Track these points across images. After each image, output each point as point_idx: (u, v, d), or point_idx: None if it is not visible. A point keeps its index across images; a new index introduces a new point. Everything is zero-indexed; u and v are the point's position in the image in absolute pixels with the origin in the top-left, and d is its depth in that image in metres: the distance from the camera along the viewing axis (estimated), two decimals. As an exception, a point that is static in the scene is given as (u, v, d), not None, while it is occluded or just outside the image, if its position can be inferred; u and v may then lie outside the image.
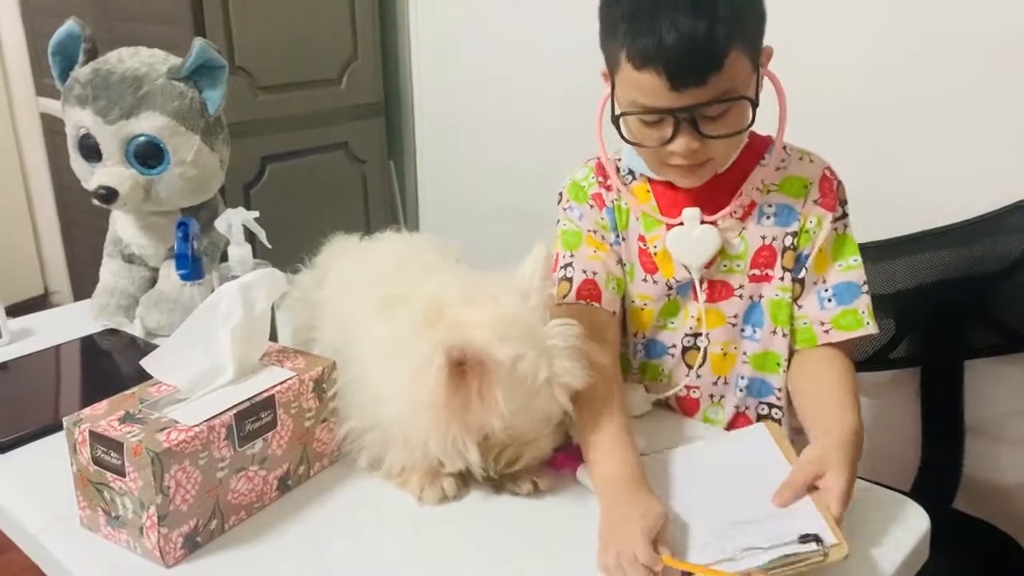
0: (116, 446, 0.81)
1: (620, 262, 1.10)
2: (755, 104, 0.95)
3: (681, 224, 1.05)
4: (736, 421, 1.11)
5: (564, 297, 1.07)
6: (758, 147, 1.06)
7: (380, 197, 2.44)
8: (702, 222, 1.04)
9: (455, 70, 2.26)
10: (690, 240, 1.05)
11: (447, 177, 2.39)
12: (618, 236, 1.09)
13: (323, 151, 2.28)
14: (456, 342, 0.82)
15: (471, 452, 0.87)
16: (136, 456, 0.80)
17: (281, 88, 2.14)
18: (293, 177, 2.20)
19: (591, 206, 1.11)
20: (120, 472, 0.81)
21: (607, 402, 0.96)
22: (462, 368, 0.84)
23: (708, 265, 1.06)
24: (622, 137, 1.00)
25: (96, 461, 0.83)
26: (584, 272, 1.08)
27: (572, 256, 1.09)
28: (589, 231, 1.10)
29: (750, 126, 0.99)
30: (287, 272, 1.25)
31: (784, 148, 1.07)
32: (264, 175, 2.14)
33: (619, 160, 1.11)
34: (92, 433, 0.82)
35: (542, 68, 2.02)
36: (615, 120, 0.99)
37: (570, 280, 1.08)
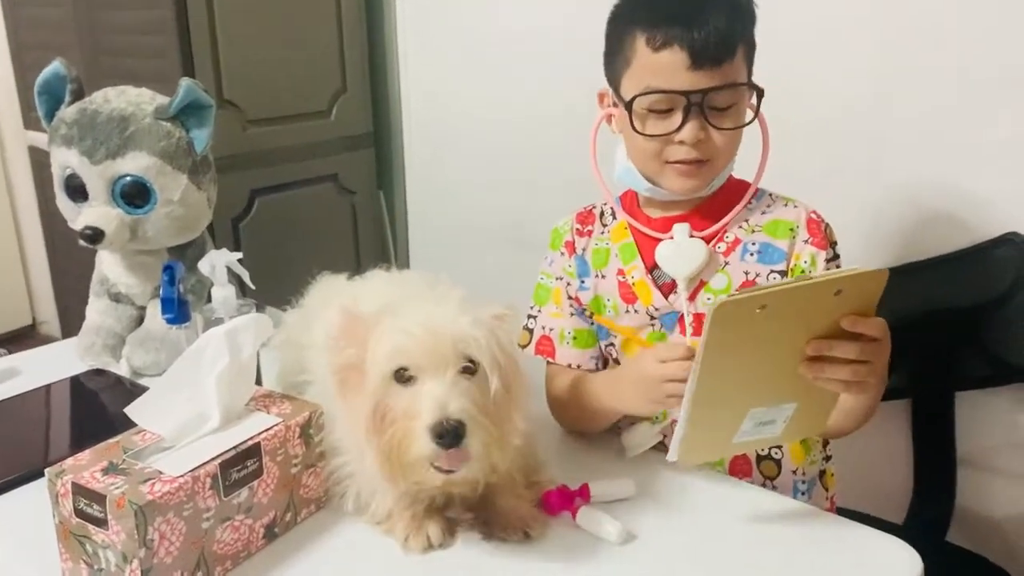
0: (99, 498, 0.80)
1: (586, 311, 1.15)
2: (756, 108, 1.05)
3: (671, 238, 1.09)
4: (734, 462, 1.11)
5: (525, 346, 1.17)
6: (739, 189, 1.10)
7: (370, 228, 2.44)
8: (690, 236, 1.08)
9: (444, 100, 2.27)
10: (679, 250, 1.08)
11: (437, 207, 2.39)
12: (584, 282, 1.15)
13: (312, 183, 2.27)
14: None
15: (363, 430, 0.85)
16: (119, 509, 0.78)
17: (270, 121, 2.13)
18: (282, 209, 2.19)
19: (562, 253, 1.18)
20: (103, 525, 0.80)
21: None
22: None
23: (696, 292, 1.08)
24: (632, 127, 1.04)
25: (78, 513, 0.82)
26: (543, 328, 1.18)
27: (539, 311, 1.19)
28: (557, 277, 1.18)
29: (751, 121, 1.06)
30: (277, 309, 1.25)
31: (770, 195, 1.12)
32: (253, 208, 2.13)
33: (606, 204, 1.17)
34: (75, 485, 0.81)
35: (531, 98, 2.02)
36: (628, 105, 1.03)
37: (531, 331, 1.19)
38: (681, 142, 1.02)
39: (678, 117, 1.01)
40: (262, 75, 2.09)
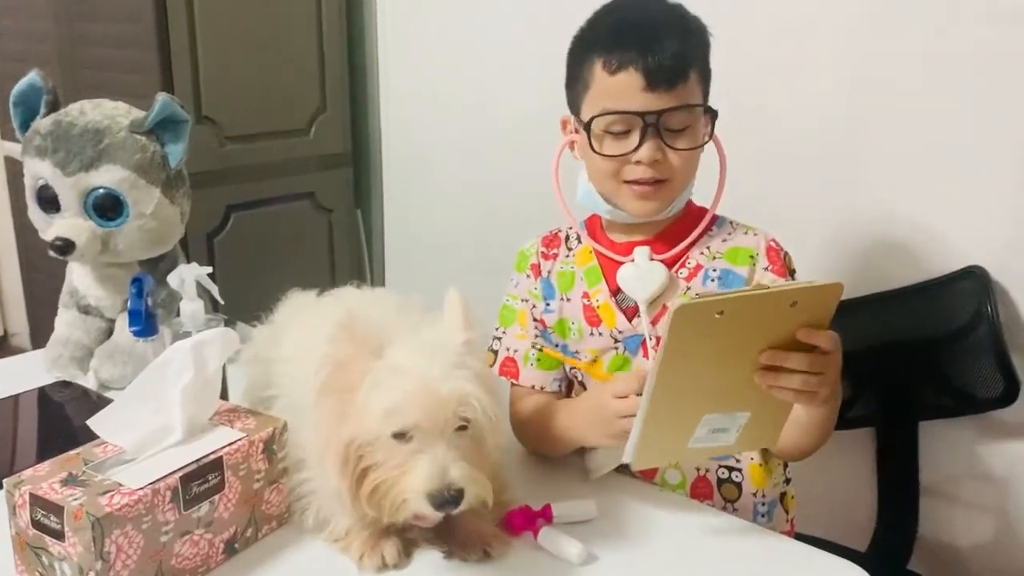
0: (56, 509, 0.79)
1: (550, 331, 1.17)
2: (711, 128, 1.08)
3: (632, 260, 1.11)
4: (696, 485, 1.12)
5: (490, 367, 1.16)
6: (697, 215, 1.13)
7: (346, 246, 2.44)
8: (651, 259, 1.11)
9: (423, 121, 2.28)
10: (639, 273, 1.10)
11: (414, 226, 2.40)
12: (549, 305, 1.17)
13: (289, 200, 2.27)
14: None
15: (332, 456, 0.84)
16: (76, 520, 0.78)
17: (249, 138, 2.14)
18: (258, 226, 2.19)
19: (527, 275, 1.20)
20: (59, 536, 0.80)
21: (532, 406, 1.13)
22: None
23: (658, 316, 1.10)
24: (591, 147, 1.07)
25: (35, 524, 0.81)
26: (507, 350, 1.19)
27: (504, 332, 1.21)
28: (522, 299, 1.19)
29: (705, 143, 1.09)
30: (247, 325, 1.25)
31: (730, 222, 1.15)
32: (228, 224, 2.13)
33: (571, 229, 1.19)
34: (32, 496, 0.81)
35: (511, 120, 2.04)
36: (587, 126, 1.06)
37: (495, 352, 1.20)
38: (638, 162, 1.05)
39: (635, 138, 1.04)
40: (241, 92, 2.09)
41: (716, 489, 1.11)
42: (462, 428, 0.85)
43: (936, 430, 1.48)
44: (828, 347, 0.86)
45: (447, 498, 0.82)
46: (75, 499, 0.79)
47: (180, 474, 0.85)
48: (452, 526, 0.93)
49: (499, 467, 1.02)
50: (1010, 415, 1.40)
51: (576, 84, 1.10)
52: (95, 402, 1.29)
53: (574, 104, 1.12)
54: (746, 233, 1.14)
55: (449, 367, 0.85)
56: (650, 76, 1.01)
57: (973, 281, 1.39)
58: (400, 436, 0.83)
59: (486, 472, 0.87)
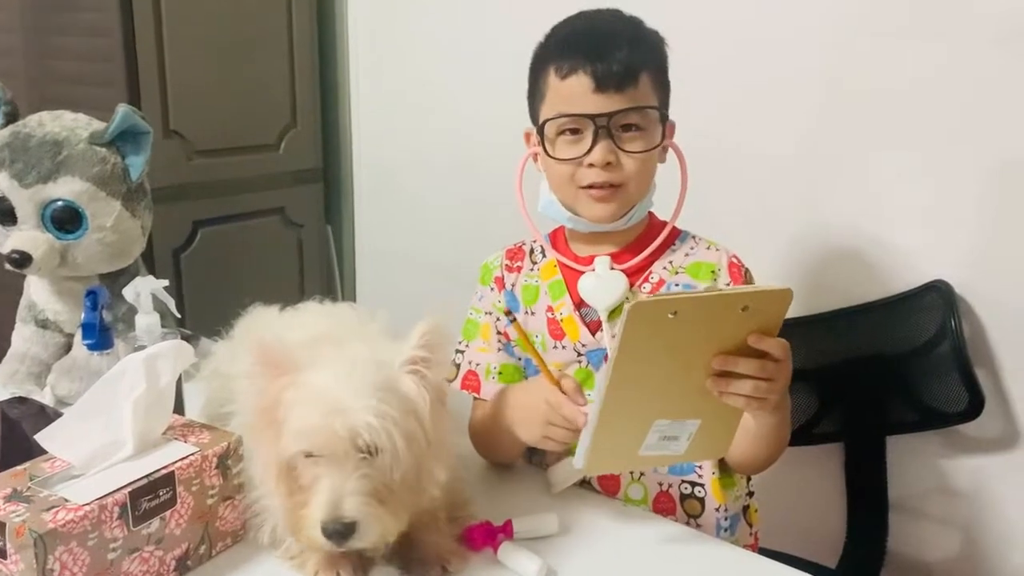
0: (-2, 526, 0.77)
1: (513, 344, 1.17)
2: (663, 132, 1.09)
3: (593, 270, 1.11)
4: (658, 500, 1.11)
5: (451, 381, 1.16)
6: (660, 229, 1.13)
7: (316, 262, 2.42)
8: (611, 268, 1.11)
9: (394, 137, 2.28)
10: (599, 282, 1.10)
11: (385, 242, 2.39)
12: (513, 319, 1.16)
13: (258, 216, 2.25)
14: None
15: (272, 477, 0.83)
16: (18, 537, 0.76)
17: (217, 153, 2.12)
18: (226, 241, 2.17)
19: (491, 288, 1.20)
20: (1, 554, 0.78)
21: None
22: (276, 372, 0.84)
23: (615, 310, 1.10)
24: (545, 151, 1.09)
25: (-23, 542, 0.79)
26: (470, 363, 1.18)
27: (467, 346, 1.20)
28: (486, 312, 1.19)
29: (659, 147, 1.09)
30: (211, 340, 1.23)
31: (693, 237, 1.16)
32: (196, 239, 2.10)
33: (535, 242, 1.20)
34: (-26, 512, 0.79)
35: (480, 136, 2.04)
36: (540, 130, 1.09)
37: (458, 366, 1.19)
38: (591, 165, 1.05)
39: (588, 140, 1.05)
40: (210, 107, 2.08)
41: (679, 504, 1.11)
42: (371, 453, 0.80)
43: (904, 445, 1.49)
44: (778, 354, 0.86)
45: (336, 530, 0.79)
46: (18, 515, 0.77)
47: (129, 489, 0.83)
48: (410, 542, 0.91)
49: (461, 481, 1.01)
50: (975, 429, 1.40)
51: (535, 94, 1.12)
52: (52, 418, 1.25)
53: (534, 115, 1.13)
54: (708, 248, 1.14)
55: (365, 391, 0.80)
56: (599, 79, 1.03)
57: (938, 296, 1.40)
58: (311, 456, 0.82)
59: (395, 508, 0.82)
